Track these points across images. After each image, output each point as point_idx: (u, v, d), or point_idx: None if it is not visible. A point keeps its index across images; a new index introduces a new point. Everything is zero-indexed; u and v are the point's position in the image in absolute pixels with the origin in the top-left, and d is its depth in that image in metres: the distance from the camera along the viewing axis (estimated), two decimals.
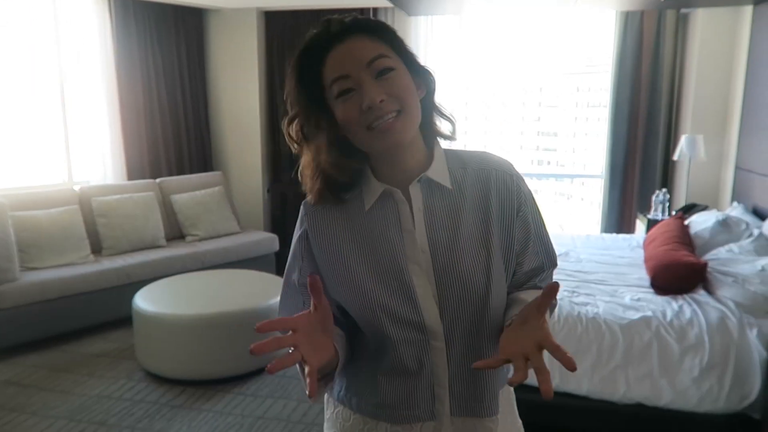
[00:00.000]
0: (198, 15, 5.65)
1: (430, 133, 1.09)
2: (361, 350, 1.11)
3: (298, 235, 1.12)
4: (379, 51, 0.99)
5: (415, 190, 1.06)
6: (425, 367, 1.06)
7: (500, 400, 1.14)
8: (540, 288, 1.14)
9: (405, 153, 1.05)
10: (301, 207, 1.13)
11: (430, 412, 1.07)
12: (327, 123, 1.02)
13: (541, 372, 0.82)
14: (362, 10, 5.36)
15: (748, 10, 4.35)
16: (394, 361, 1.06)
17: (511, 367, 0.88)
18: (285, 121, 1.05)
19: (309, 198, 1.10)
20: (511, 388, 1.22)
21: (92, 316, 4.08)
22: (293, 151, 1.08)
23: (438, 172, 1.07)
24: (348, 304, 1.08)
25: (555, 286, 0.90)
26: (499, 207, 1.08)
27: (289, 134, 1.06)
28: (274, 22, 5.65)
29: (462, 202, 1.07)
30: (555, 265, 1.19)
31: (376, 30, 1.01)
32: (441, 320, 1.04)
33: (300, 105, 1.03)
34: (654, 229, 3.76)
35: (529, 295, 1.09)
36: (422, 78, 1.05)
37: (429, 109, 1.08)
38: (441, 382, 1.07)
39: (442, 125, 1.10)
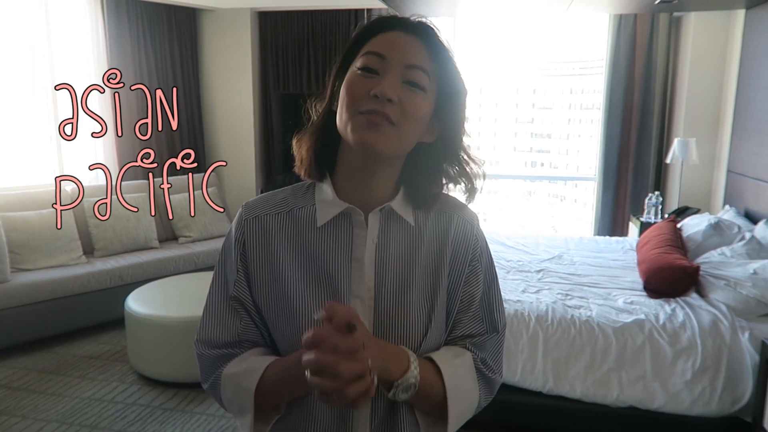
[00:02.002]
0: (191, 15, 5.63)
1: (412, 181, 0.98)
2: None
3: (233, 239, 0.99)
4: (425, 65, 0.91)
5: (374, 219, 0.96)
6: (347, 420, 0.95)
7: None
8: (471, 351, 1.00)
9: (376, 175, 0.95)
10: (241, 209, 1.01)
11: None
12: (333, 94, 0.96)
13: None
14: (356, 12, 5.36)
15: (740, 14, 4.38)
16: (314, 403, 0.94)
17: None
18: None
19: (296, 168, 1.01)
20: None
21: (84, 318, 4.04)
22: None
23: (402, 207, 0.98)
24: (278, 327, 0.96)
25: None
26: (452, 256, 0.99)
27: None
28: (267, 22, 5.64)
29: (419, 244, 0.98)
30: (497, 331, 1.03)
31: (437, 49, 0.93)
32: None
33: (336, 68, 0.97)
34: (647, 232, 3.77)
35: (450, 352, 0.99)
36: (446, 122, 0.95)
37: (428, 160, 0.97)
38: None
39: (429, 184, 0.98)
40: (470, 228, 1.01)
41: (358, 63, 0.92)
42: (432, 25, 0.95)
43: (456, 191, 1.02)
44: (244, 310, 0.98)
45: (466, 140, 0.99)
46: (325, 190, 0.98)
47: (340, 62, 0.96)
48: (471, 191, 1.00)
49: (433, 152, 0.97)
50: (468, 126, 0.99)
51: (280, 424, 0.97)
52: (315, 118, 1.00)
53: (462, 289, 0.99)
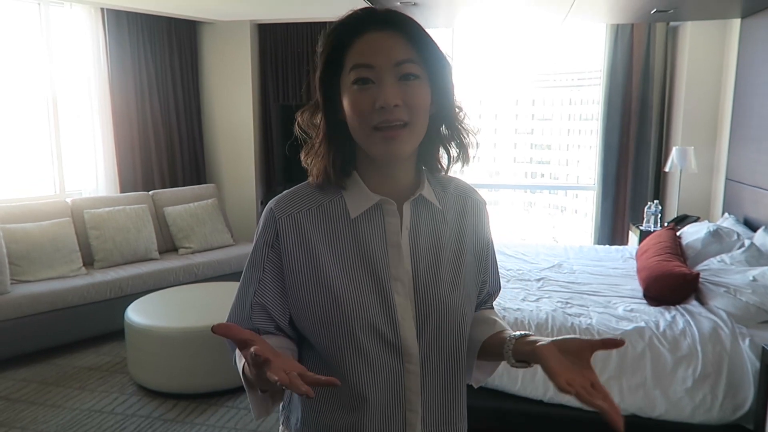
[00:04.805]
0: (191, 27, 5.68)
1: (425, 153, 1.06)
2: (328, 374, 1.03)
3: (261, 241, 1.03)
4: (410, 55, 0.95)
5: (407, 208, 1.03)
6: (398, 391, 1.01)
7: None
8: (490, 308, 1.21)
9: (399, 167, 1.02)
10: (267, 211, 1.04)
11: None
12: (331, 105, 0.99)
13: (614, 406, 0.83)
14: None
15: (735, 23, 4.41)
16: (366, 384, 1.00)
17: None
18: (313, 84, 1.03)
19: (310, 179, 1.04)
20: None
21: (84, 329, 4.04)
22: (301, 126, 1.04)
23: (429, 192, 1.06)
24: (321, 320, 0.99)
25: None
26: (474, 234, 1.10)
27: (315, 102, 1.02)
28: (267, 34, 5.69)
29: (444, 225, 1.06)
30: (499, 291, 1.23)
31: (414, 33, 0.96)
32: (418, 342, 1.01)
33: (318, 79, 0.99)
34: (646, 240, 3.77)
35: (492, 314, 1.16)
36: (441, 94, 1.00)
37: (435, 128, 1.04)
38: (414, 407, 1.02)
39: (440, 152, 1.07)
40: (482, 207, 1.13)
41: (350, 77, 0.94)
42: (399, 10, 0.98)
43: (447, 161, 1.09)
44: (266, 315, 1.02)
45: (458, 109, 1.05)
46: (354, 184, 1.02)
47: (323, 72, 0.98)
48: (465, 156, 1.07)
49: (436, 120, 1.03)
50: (457, 91, 1.03)
51: (337, 401, 1.02)
52: (319, 129, 1.01)
53: (483, 262, 1.12)
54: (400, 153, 0.96)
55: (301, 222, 1.01)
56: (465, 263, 1.07)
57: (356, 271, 0.99)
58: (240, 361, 0.94)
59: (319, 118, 1.01)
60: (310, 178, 1.05)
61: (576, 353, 0.87)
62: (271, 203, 1.04)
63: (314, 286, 0.99)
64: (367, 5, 0.99)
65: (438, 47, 0.99)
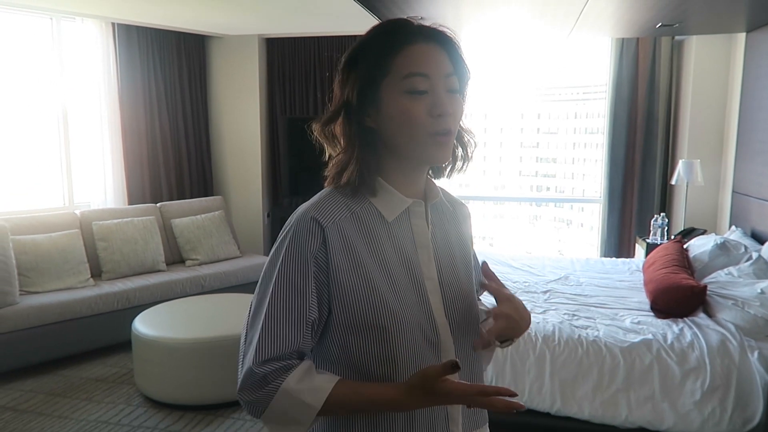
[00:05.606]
0: (200, 41, 5.74)
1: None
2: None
3: (303, 251, 0.97)
4: (452, 69, 1.00)
5: (429, 210, 1.09)
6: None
7: None
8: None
9: (423, 171, 1.08)
10: (306, 220, 0.98)
11: None
12: (363, 110, 1.00)
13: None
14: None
15: (740, 37, 4.43)
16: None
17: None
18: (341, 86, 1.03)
19: (331, 186, 1.04)
20: None
21: (91, 340, 4.05)
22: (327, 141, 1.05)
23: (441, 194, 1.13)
24: (372, 328, 0.98)
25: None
26: (468, 235, 1.20)
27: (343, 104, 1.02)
28: (274, 48, 5.74)
29: (449, 225, 1.13)
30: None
31: (452, 50, 1.01)
32: (452, 338, 1.05)
33: (361, 84, 0.99)
34: (653, 253, 3.77)
35: (480, 306, 1.26)
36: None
37: None
38: None
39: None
40: (468, 212, 1.23)
41: (402, 85, 0.97)
42: (440, 27, 1.02)
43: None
44: (310, 326, 0.98)
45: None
46: (383, 189, 1.04)
47: (365, 76, 0.98)
48: (465, 157, 1.12)
49: None
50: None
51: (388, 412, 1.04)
52: (352, 135, 1.01)
53: (473, 258, 1.21)
54: (448, 158, 1.03)
55: (344, 230, 0.99)
56: (468, 261, 1.15)
57: (397, 275, 1.01)
58: (312, 396, 0.94)
59: (338, 126, 1.03)
60: (330, 186, 1.04)
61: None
62: (308, 212, 0.99)
63: (364, 295, 0.98)
64: (377, 19, 1.02)
65: (466, 62, 1.04)
